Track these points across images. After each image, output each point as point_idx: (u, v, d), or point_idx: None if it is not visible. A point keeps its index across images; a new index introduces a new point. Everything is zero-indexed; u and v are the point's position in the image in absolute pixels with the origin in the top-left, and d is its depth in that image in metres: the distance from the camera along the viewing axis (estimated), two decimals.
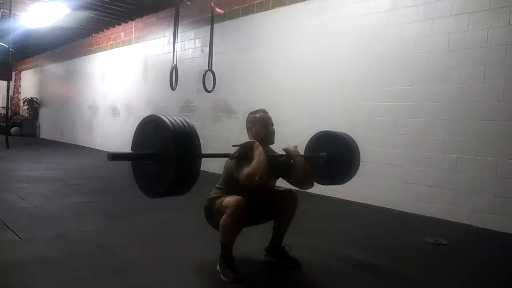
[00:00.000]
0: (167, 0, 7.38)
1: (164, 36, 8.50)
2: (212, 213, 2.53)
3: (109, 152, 2.03)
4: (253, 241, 2.90)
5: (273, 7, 6.17)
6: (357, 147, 2.94)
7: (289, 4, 5.92)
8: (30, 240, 3.01)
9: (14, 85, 16.90)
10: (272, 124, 2.63)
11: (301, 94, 5.64)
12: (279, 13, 6.07)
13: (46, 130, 14.77)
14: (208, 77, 5.89)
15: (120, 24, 9.84)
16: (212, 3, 5.42)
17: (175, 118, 2.07)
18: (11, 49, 9.30)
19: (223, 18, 6.69)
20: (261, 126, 2.57)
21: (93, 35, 11.07)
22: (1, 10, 8.90)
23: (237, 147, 2.41)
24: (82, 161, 8.45)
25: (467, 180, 4.09)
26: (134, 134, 2.26)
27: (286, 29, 5.97)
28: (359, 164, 2.93)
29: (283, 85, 5.94)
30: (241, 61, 6.52)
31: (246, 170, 2.33)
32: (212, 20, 5.62)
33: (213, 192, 2.62)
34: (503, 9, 3.91)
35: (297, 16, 5.84)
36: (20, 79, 17.41)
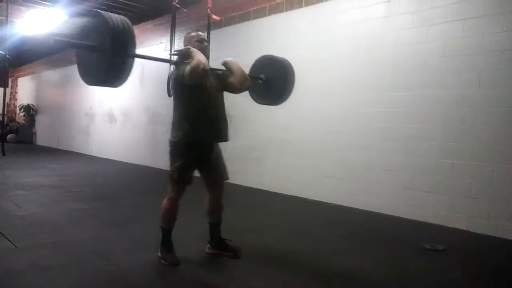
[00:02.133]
0: (164, 7, 7.41)
1: (161, 43, 8.52)
2: (170, 160, 2.80)
3: (52, 37, 2.23)
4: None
5: (270, 14, 6.21)
6: (293, 71, 3.23)
7: (285, 11, 5.96)
8: (26, 248, 2.99)
9: (11, 91, 16.86)
10: (207, 41, 2.94)
11: (297, 100, 5.65)
12: (275, 19, 6.11)
13: (43, 137, 14.72)
14: None
15: None
16: (209, 10, 5.44)
17: (116, 17, 2.25)
18: (7, 55, 9.29)
19: (219, 25, 6.71)
20: (196, 41, 2.83)
21: None
22: None
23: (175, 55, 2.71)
24: (79, 168, 8.42)
25: (464, 186, 4.11)
26: (80, 26, 2.43)
27: (282, 35, 6.00)
28: (292, 87, 3.25)
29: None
30: None
31: (189, 66, 2.55)
32: (208, 27, 5.63)
33: (175, 128, 2.78)
34: (497, 16, 3.95)
35: (293, 22, 5.87)
36: (16, 85, 17.38)
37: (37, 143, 14.88)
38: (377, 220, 4.47)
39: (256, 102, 3.38)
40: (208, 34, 5.86)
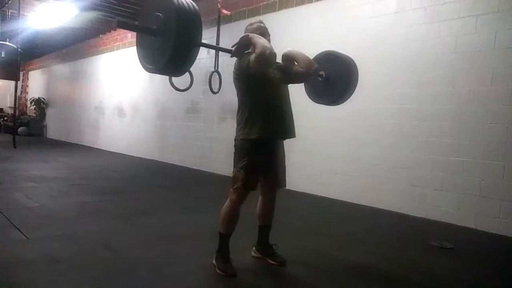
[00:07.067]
0: None
1: None
2: (235, 160, 2.62)
3: (115, 18, 2.04)
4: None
5: (279, 9, 6.18)
6: (357, 71, 3.01)
7: (296, 5, 5.93)
8: (36, 239, 3.04)
9: (22, 85, 17.06)
10: (269, 34, 2.74)
11: (304, 97, 5.63)
12: (285, 14, 6.08)
13: (53, 130, 14.88)
14: (214, 79, 5.89)
15: None
16: (218, 4, 5.43)
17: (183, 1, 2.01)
18: (19, 49, 9.39)
19: (229, 19, 6.70)
20: (259, 34, 2.61)
21: (100, 36, 11.15)
22: (10, 10, 8.99)
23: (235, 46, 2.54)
24: (88, 161, 8.50)
25: (473, 184, 4.06)
26: (143, 7, 2.25)
27: (292, 30, 5.97)
28: (355, 88, 3.02)
29: (289, 86, 5.93)
30: None
31: (254, 53, 2.41)
32: (218, 21, 5.64)
33: (242, 126, 2.60)
34: (511, 11, 3.89)
35: (303, 17, 5.84)
36: (27, 79, 17.57)
37: (48, 136, 15.04)
38: (385, 218, 4.45)
39: (313, 101, 3.13)
40: (218, 29, 5.86)
